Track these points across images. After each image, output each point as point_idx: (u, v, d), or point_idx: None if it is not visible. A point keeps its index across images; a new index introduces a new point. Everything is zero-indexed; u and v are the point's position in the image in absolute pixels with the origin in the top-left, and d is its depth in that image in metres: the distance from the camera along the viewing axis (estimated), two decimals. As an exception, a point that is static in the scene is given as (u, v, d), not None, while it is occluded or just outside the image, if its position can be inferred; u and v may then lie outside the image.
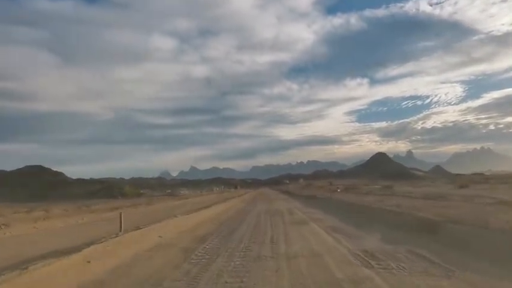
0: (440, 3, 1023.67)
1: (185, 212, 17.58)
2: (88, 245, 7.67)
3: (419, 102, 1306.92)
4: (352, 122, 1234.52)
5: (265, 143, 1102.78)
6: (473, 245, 6.86)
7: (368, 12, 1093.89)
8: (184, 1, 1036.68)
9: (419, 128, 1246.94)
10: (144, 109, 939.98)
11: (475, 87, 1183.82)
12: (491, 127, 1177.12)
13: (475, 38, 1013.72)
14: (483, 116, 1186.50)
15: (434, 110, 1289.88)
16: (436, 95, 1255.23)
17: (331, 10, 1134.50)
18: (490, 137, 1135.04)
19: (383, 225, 11.12)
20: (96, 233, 10.51)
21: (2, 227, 15.37)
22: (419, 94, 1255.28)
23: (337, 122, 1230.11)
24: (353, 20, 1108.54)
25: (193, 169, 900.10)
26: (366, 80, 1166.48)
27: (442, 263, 6.17)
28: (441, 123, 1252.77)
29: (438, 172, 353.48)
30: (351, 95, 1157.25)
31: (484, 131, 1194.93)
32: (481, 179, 65.62)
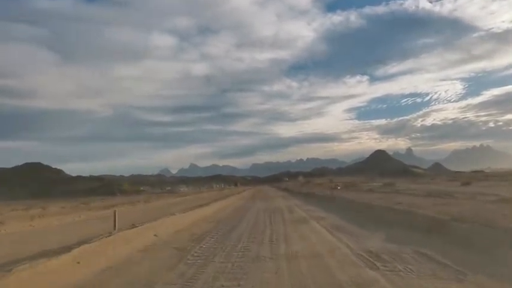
0: (440, 0, 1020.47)
1: (183, 210, 17.24)
2: (79, 244, 7.31)
3: (419, 100, 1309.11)
4: (352, 119, 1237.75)
5: (264, 140, 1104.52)
6: (483, 245, 6.47)
7: (368, 10, 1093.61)
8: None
9: (418, 125, 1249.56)
10: (143, 107, 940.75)
11: (475, 84, 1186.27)
12: (491, 124, 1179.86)
13: (475, 35, 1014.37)
14: (483, 114, 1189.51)
15: (434, 107, 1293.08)
16: (435, 92, 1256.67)
17: (330, 7, 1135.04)
18: (489, 135, 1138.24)
19: (387, 224, 10.72)
20: (90, 232, 10.16)
21: (-4, 225, 15.02)
22: (419, 91, 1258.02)
23: (336, 120, 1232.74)
24: (353, 18, 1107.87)
25: (193, 166, 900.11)
26: (365, 78, 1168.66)
27: (451, 265, 5.80)
28: (441, 120, 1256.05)
29: (438, 169, 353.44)
30: (350, 92, 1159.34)
31: (484, 129, 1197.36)
32: (480, 176, 65.44)
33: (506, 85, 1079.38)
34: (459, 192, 21.26)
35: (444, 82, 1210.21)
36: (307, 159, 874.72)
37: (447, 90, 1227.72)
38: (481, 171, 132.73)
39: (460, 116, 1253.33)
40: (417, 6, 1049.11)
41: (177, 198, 46.04)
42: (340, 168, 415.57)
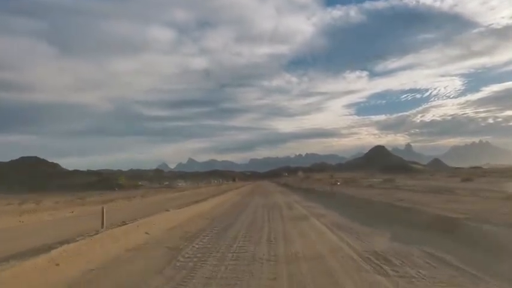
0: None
1: (179, 206, 16.66)
2: (61, 243, 6.71)
3: (418, 96, 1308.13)
4: (351, 114, 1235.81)
5: (263, 135, 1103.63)
6: (500, 247, 5.89)
7: (368, 4, 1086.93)
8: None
9: (418, 121, 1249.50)
10: (142, 101, 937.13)
11: (475, 80, 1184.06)
12: (490, 121, 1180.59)
13: (475, 30, 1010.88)
14: (482, 110, 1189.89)
15: (433, 103, 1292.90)
16: (435, 88, 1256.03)
17: (330, 2, 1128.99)
18: (488, 131, 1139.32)
19: (392, 222, 10.14)
20: (79, 229, 9.56)
21: (-18, 220, 14.42)
22: (418, 87, 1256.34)
23: (336, 115, 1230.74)
24: (352, 12, 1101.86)
25: (191, 161, 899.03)
26: (365, 73, 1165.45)
27: (468, 269, 5.20)
28: (440, 116, 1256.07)
29: (437, 165, 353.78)
30: (350, 87, 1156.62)
31: (483, 125, 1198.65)
32: (480, 172, 64.98)
33: (506, 81, 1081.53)
34: (460, 188, 20.77)
35: (444, 78, 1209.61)
36: (306, 154, 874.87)
37: (446, 86, 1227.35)
38: (480, 168, 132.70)
39: (460, 112, 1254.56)
40: (418, 1, 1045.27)
41: (174, 193, 45.51)
42: (339, 164, 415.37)
